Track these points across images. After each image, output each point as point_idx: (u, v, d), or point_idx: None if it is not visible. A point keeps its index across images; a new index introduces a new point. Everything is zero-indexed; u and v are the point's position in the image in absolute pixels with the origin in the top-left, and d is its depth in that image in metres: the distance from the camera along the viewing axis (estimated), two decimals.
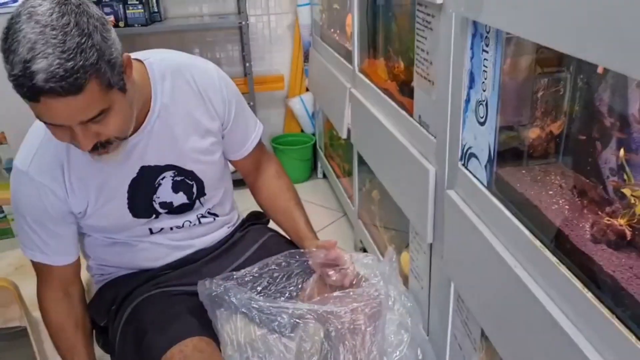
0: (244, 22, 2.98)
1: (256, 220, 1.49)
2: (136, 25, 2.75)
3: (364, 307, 1.22)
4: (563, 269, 0.93)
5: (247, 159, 1.39)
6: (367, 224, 2.42)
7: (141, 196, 1.22)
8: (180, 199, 1.27)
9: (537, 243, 1.00)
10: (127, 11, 2.71)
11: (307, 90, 3.29)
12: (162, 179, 1.23)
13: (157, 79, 1.17)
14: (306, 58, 3.22)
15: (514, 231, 1.07)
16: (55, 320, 1.26)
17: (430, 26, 1.43)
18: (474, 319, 1.35)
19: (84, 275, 1.35)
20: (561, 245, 0.97)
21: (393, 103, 1.79)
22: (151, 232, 1.29)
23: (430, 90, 1.47)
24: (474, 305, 1.31)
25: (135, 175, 1.20)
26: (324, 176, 3.30)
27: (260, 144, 1.41)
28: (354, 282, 1.26)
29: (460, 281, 1.38)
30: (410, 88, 1.65)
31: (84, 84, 0.91)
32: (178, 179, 1.24)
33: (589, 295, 0.87)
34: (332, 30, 2.76)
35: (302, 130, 3.40)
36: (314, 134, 3.35)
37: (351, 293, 1.24)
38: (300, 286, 1.32)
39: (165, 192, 1.24)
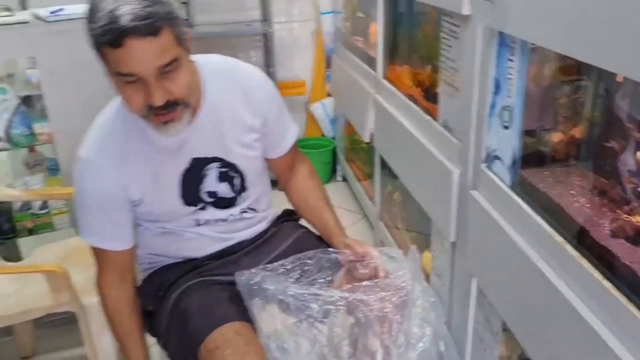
0: (268, 30, 3.08)
1: (289, 217, 1.58)
2: None
3: (391, 296, 1.30)
4: (584, 262, 1.01)
5: (283, 158, 1.49)
6: (388, 226, 2.49)
7: (190, 185, 1.32)
8: (223, 189, 1.36)
9: (559, 239, 1.08)
10: None
11: (329, 95, 3.38)
12: (209, 169, 1.33)
13: (207, 79, 1.28)
14: (328, 64, 3.31)
15: (536, 228, 1.15)
16: (112, 304, 1.35)
17: (456, 36, 1.51)
18: (496, 313, 1.43)
19: None
20: (582, 240, 1.05)
21: (417, 108, 1.87)
22: (198, 223, 1.38)
23: (455, 96, 1.55)
24: (496, 299, 1.38)
25: (188, 166, 1.30)
26: (344, 179, 3.38)
27: (295, 146, 1.50)
28: (381, 275, 1.34)
29: (484, 277, 1.45)
30: (435, 94, 1.73)
31: (161, 28, 1.05)
32: (223, 170, 1.34)
33: (608, 285, 0.94)
34: (355, 37, 2.85)
35: (322, 134, 3.49)
36: (334, 138, 3.43)
37: (379, 283, 1.32)
38: (329, 279, 1.40)
39: (210, 182, 1.34)
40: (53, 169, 2.29)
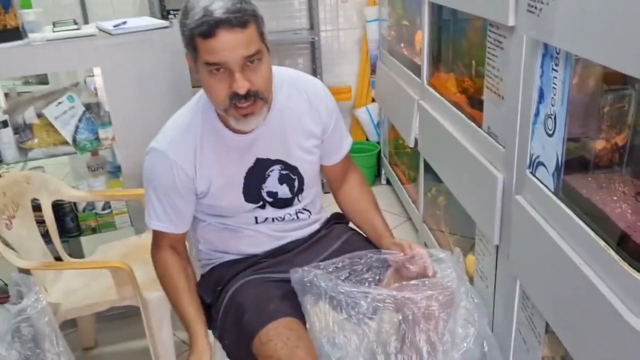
0: (316, 38, 3.18)
1: (338, 219, 1.66)
2: None
3: (437, 295, 1.36)
4: (625, 265, 1.05)
5: (338, 166, 1.58)
6: (431, 229, 2.54)
7: (253, 184, 1.43)
8: (283, 190, 1.46)
9: (602, 243, 1.12)
10: None
11: (373, 100, 3.45)
12: (271, 171, 1.44)
13: (276, 87, 1.39)
14: (373, 70, 3.38)
15: (579, 232, 1.19)
16: (162, 264, 1.46)
17: (501, 46, 1.56)
18: (539, 315, 1.46)
19: None
20: (624, 244, 1.08)
21: (462, 115, 1.92)
22: (256, 221, 1.48)
23: (500, 103, 1.60)
24: (540, 301, 1.42)
25: (252, 164, 1.42)
26: (388, 182, 3.44)
27: (348, 155, 1.60)
28: (430, 274, 1.40)
29: (527, 279, 1.49)
30: (480, 101, 1.77)
31: (248, 22, 1.19)
32: (284, 172, 1.45)
33: None
34: (400, 45, 2.91)
35: (367, 139, 3.55)
36: (378, 142, 3.49)
37: (426, 282, 1.38)
38: (377, 277, 1.47)
39: (272, 183, 1.45)
40: (113, 172, 2.42)
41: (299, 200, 1.50)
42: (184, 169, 1.36)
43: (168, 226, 1.43)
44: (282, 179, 1.45)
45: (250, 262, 1.49)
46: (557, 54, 1.25)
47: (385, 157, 3.41)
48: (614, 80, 1.19)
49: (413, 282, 1.38)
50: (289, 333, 1.30)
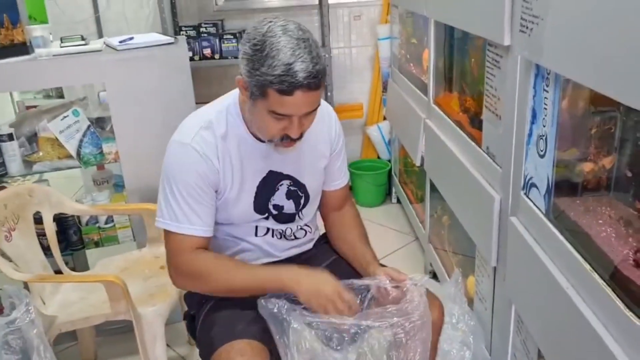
0: (327, 55, 3.19)
1: (326, 239, 1.65)
2: (230, 57, 3.05)
3: (403, 321, 1.32)
4: (609, 290, 1.02)
5: (338, 192, 1.60)
6: (437, 248, 2.51)
7: (263, 194, 1.45)
8: (289, 205, 1.49)
9: (587, 267, 1.09)
10: (223, 45, 3.02)
11: (385, 118, 3.44)
12: (280, 185, 1.46)
13: None
14: (385, 88, 3.38)
15: (567, 256, 1.16)
16: (202, 260, 1.36)
17: (498, 65, 1.54)
18: (532, 339, 1.43)
19: None
20: (607, 269, 1.06)
21: (464, 134, 1.90)
22: (256, 233, 1.49)
23: (497, 123, 1.58)
24: (531, 325, 1.39)
25: (265, 175, 1.44)
26: (398, 201, 3.41)
27: (347, 187, 1.63)
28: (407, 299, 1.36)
29: (520, 303, 1.46)
30: (480, 121, 1.76)
31: (321, 83, 1.23)
32: (292, 188, 1.48)
33: (630, 314, 0.95)
34: (409, 63, 2.90)
35: (378, 157, 3.54)
36: (389, 161, 3.48)
37: (391, 309, 1.33)
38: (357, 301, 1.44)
39: (280, 196, 1.47)
40: (120, 185, 2.45)
41: (300, 217, 1.53)
42: (208, 159, 1.35)
43: (187, 227, 1.35)
44: (289, 195, 1.48)
45: None
46: (548, 74, 1.23)
47: (396, 176, 3.39)
48: (602, 102, 1.16)
49: (378, 309, 1.33)
50: (239, 358, 1.28)
